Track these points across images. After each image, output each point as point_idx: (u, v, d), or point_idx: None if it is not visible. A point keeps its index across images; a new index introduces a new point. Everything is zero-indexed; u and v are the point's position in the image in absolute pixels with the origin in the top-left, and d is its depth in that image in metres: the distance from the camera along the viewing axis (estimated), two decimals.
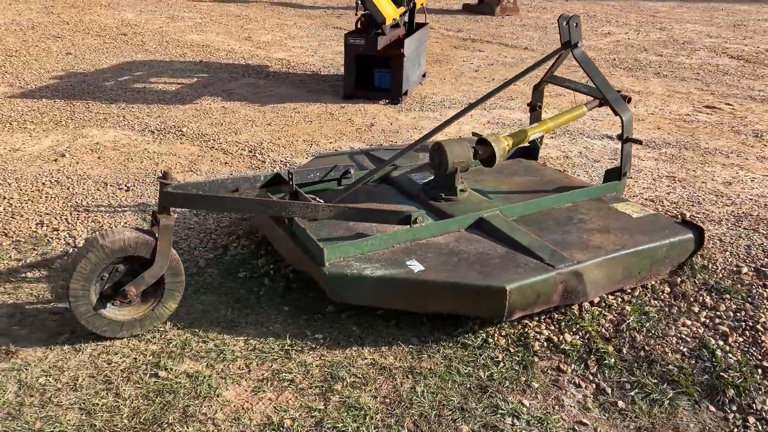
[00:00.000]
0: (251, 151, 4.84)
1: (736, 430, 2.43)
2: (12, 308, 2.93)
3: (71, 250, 3.41)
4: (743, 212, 3.86)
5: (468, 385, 2.58)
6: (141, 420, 2.32)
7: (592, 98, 3.82)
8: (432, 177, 3.64)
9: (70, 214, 3.78)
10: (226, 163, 4.65)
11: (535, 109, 4.16)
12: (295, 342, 2.78)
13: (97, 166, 4.51)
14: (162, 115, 5.62)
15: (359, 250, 2.91)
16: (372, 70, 6.29)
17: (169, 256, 2.74)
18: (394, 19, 6.06)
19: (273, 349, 2.73)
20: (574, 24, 3.58)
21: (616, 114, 3.55)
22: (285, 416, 2.38)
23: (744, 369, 2.67)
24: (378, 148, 4.30)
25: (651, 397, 2.58)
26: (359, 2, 5.70)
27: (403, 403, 2.47)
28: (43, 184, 4.17)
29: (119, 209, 3.87)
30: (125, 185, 4.19)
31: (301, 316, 2.97)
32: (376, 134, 5.27)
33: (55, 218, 3.73)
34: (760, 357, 2.73)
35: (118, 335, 2.75)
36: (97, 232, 2.72)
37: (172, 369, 2.58)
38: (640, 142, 3.64)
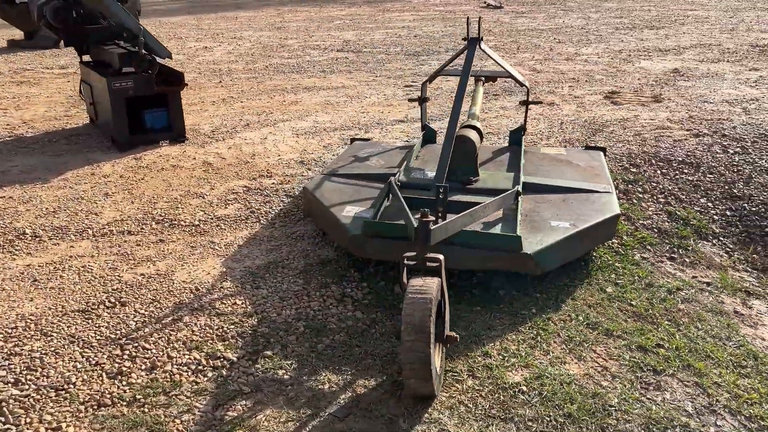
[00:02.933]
0: (159, 223, 4.09)
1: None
2: None
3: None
4: (576, 137, 5.51)
5: (642, 287, 3.44)
6: None
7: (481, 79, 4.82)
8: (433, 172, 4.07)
9: (134, 346, 2.81)
10: (161, 240, 3.87)
11: (426, 100, 4.88)
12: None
13: (21, 299, 3.20)
14: None
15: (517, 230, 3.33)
16: (138, 112, 5.62)
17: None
18: None
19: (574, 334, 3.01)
20: (478, 23, 4.46)
21: (522, 85, 4.64)
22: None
23: (702, 218, 4.27)
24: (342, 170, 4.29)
25: (683, 251, 3.93)
26: (141, 42, 5.05)
27: (644, 320, 3.19)
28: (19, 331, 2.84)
29: (155, 325, 3.04)
30: (109, 302, 3.20)
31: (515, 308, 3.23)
32: (238, 170, 4.98)
33: (114, 359, 2.74)
34: (701, 211, 4.37)
35: (439, 390, 2.59)
36: (408, 291, 2.41)
37: (555, 375, 2.66)
38: (540, 103, 4.83)
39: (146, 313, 3.13)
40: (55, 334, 2.95)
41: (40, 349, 2.85)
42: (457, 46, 10.14)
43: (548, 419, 2.47)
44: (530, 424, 2.45)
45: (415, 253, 2.68)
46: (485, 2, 17.36)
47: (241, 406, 2.53)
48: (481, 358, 2.82)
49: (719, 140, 5.23)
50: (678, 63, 8.17)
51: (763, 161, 4.88)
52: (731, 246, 4.12)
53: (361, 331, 3.00)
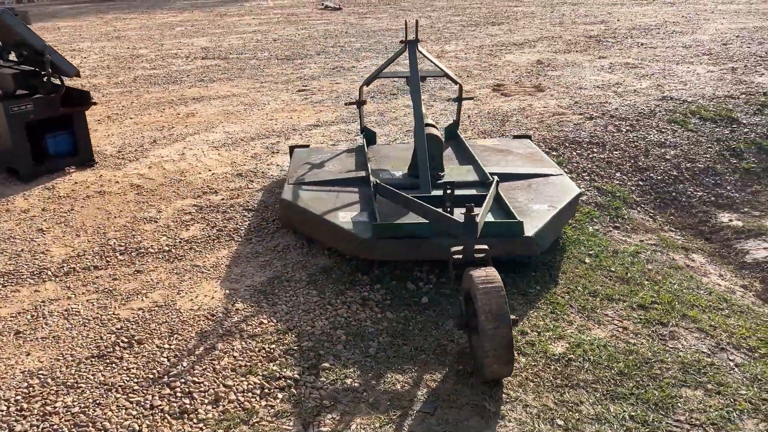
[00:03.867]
0: (124, 253, 3.78)
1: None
2: None
3: None
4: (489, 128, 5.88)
5: (611, 254, 3.87)
6: None
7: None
8: (401, 172, 4.23)
9: (182, 382, 2.64)
10: (138, 271, 3.59)
11: (364, 103, 4.98)
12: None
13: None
14: None
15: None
16: (37, 136, 5.07)
17: None
18: None
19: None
20: (416, 25, 4.64)
21: (455, 83, 4.90)
22: None
23: (623, 189, 4.84)
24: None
25: (622, 220, 4.47)
26: (48, 60, 4.55)
27: (628, 282, 3.61)
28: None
29: (191, 358, 2.87)
30: (122, 342, 2.95)
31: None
32: (175, 189, 4.71)
33: None
34: (620, 184, 4.94)
35: None
36: (477, 283, 2.57)
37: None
38: (472, 99, 5.11)
39: (171, 347, 2.94)
40: (83, 385, 2.68)
41: (76, 403, 2.58)
42: (325, 50, 10.26)
43: (606, 379, 2.75)
44: (595, 386, 2.71)
45: (461, 248, 2.83)
46: (323, 4, 17.59)
47: (330, 420, 2.51)
48: (521, 336, 3.04)
49: (610, 121, 5.93)
50: (537, 55, 9.01)
51: (651, 136, 5.64)
52: (652, 211, 4.74)
53: (401, 330, 3.08)
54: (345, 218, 3.62)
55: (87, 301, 3.32)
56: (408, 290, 3.40)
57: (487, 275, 2.66)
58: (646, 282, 3.58)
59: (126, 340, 2.98)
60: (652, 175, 5.10)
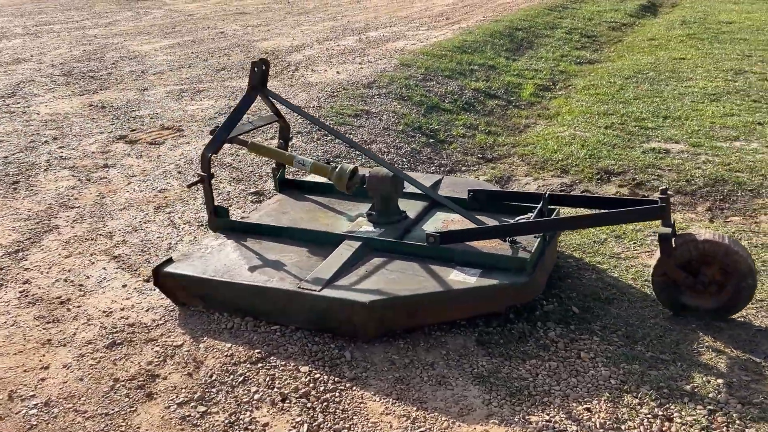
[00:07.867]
0: None
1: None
2: None
3: None
4: None
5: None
6: None
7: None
8: (365, 226, 3.68)
9: None
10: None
11: (212, 177, 3.76)
12: None
13: None
14: None
15: None
16: None
17: None
18: None
19: None
20: (263, 67, 3.74)
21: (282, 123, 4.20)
22: None
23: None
24: None
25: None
26: None
27: None
28: None
29: None
30: None
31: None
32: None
33: None
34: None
35: None
36: (740, 252, 2.83)
37: None
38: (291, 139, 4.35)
39: None
40: None
41: None
42: None
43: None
44: None
45: (668, 228, 3.12)
46: None
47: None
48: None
49: (310, 137, 6.03)
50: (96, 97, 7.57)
51: (359, 136, 6.08)
52: None
53: (634, 334, 3.09)
54: (464, 280, 3.09)
55: None
56: (561, 312, 3.33)
57: (714, 233, 3.10)
58: None
59: None
60: (419, 166, 5.66)
